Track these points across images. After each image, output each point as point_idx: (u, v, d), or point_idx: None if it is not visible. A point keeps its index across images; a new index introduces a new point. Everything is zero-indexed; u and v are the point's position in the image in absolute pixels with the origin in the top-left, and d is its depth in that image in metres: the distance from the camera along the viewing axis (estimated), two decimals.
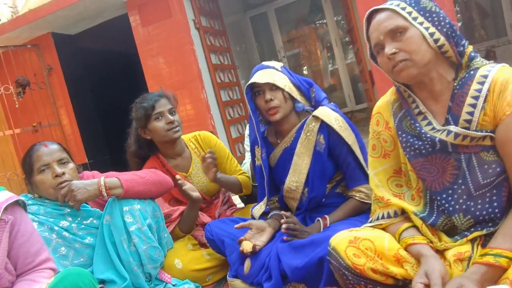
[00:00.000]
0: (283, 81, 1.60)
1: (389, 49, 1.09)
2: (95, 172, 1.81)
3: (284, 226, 1.50)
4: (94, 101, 5.75)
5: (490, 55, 5.74)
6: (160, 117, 1.97)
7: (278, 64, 1.67)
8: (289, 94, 1.61)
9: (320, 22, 7.48)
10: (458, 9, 6.47)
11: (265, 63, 1.68)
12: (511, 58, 5.68)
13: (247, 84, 1.64)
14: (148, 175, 1.72)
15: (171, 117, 1.97)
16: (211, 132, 2.29)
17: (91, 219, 1.67)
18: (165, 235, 1.81)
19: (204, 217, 2.12)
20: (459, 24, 6.17)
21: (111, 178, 1.63)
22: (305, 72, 7.86)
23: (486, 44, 5.96)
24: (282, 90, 1.60)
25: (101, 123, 5.73)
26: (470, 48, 1.11)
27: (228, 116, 5.03)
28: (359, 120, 6.65)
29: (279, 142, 1.73)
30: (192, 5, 4.82)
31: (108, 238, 1.60)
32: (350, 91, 7.18)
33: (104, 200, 1.63)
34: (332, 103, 1.71)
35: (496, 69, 1.06)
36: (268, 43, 7.58)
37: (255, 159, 1.75)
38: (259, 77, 1.59)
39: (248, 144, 2.00)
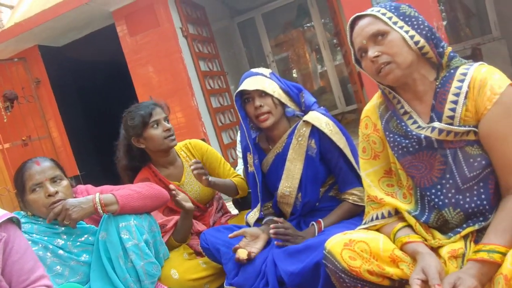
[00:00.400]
0: (272, 87, 1.61)
1: (372, 52, 1.14)
2: (89, 187, 1.79)
3: (271, 231, 1.50)
4: (83, 112, 5.72)
5: (476, 53, 5.81)
6: (156, 125, 1.97)
7: (266, 71, 1.68)
8: (279, 100, 1.62)
9: (308, 25, 7.54)
10: (443, 8, 6.56)
11: (253, 70, 1.69)
12: (496, 55, 5.76)
13: (236, 91, 1.65)
14: (143, 189, 1.70)
15: (168, 125, 1.99)
16: (203, 139, 2.29)
17: (86, 236, 1.65)
18: (162, 248, 1.80)
19: (199, 226, 2.11)
20: (444, 23, 6.25)
21: (106, 194, 1.61)
22: (294, 75, 7.90)
23: (472, 43, 6.04)
24: (272, 96, 1.61)
25: (92, 134, 5.70)
26: (449, 49, 1.16)
27: (219, 122, 5.04)
28: (349, 121, 6.69)
29: (270, 148, 1.74)
30: (179, 13, 4.83)
31: (104, 254, 1.58)
32: (340, 92, 7.23)
33: (99, 216, 1.62)
34: (322, 107, 1.73)
35: (474, 67, 1.11)
36: (256, 48, 7.62)
37: (248, 165, 1.75)
38: (248, 84, 1.60)
39: (240, 150, 2.00)
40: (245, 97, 1.65)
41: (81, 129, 5.57)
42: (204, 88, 4.90)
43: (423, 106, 1.17)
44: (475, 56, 5.84)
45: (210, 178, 1.85)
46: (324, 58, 7.29)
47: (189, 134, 4.44)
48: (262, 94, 1.61)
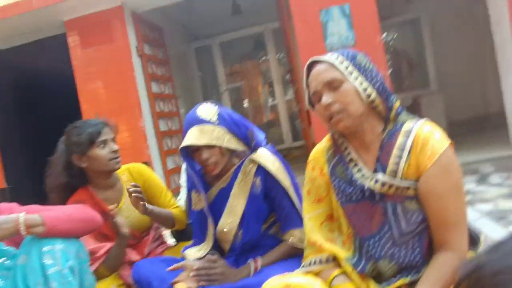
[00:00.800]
0: (221, 136, 1.56)
1: (325, 99, 1.16)
2: (14, 205, 1.65)
3: (191, 274, 1.46)
4: (19, 122, 5.38)
5: (416, 104, 6.22)
6: (103, 145, 1.88)
7: (214, 114, 1.59)
8: (227, 148, 1.58)
9: (263, 58, 7.72)
10: (389, 56, 6.99)
11: (200, 113, 1.58)
12: (433, 108, 6.19)
13: (182, 145, 1.57)
14: (75, 212, 1.59)
15: (115, 147, 1.91)
16: (146, 162, 2.21)
17: (3, 259, 1.50)
18: (88, 277, 1.68)
19: (133, 255, 2.00)
20: (390, 71, 6.63)
21: (32, 215, 1.48)
22: (245, 105, 7.99)
23: (413, 94, 6.46)
24: (220, 146, 1.57)
25: (26, 147, 5.34)
26: (397, 103, 1.20)
27: (165, 146, 4.93)
28: (295, 157, 6.81)
29: (216, 182, 1.70)
30: (136, 32, 4.76)
31: (21, 281, 1.44)
32: (288, 128, 7.39)
33: (21, 237, 1.48)
34: (270, 144, 1.73)
35: (419, 124, 1.16)
36: (211, 75, 7.65)
37: (191, 204, 1.71)
38: (195, 137, 1.54)
39: (185, 180, 1.95)
40: (191, 148, 1.59)
41: (15, 140, 5.21)
42: (153, 110, 4.81)
43: (369, 155, 1.20)
44: (415, 106, 6.24)
45: (148, 206, 1.78)
46: (276, 92, 7.46)
47: (133, 155, 4.29)
48: (210, 146, 1.55)
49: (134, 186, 1.74)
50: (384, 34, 6.45)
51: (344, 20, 4.35)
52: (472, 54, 6.19)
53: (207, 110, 1.61)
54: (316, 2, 4.39)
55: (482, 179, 3.67)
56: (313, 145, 4.70)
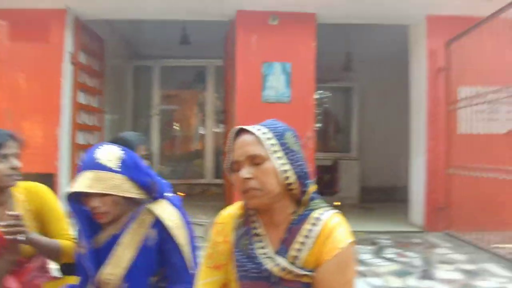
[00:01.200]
0: (119, 185, 1.44)
1: (245, 173, 1.14)
2: None
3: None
4: None
5: (335, 166, 6.56)
6: (3, 159, 1.71)
7: (116, 158, 1.47)
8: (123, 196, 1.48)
9: (202, 89, 7.72)
10: (320, 117, 7.36)
11: (100, 155, 1.45)
12: (351, 172, 6.59)
13: (71, 190, 1.43)
14: None
15: (16, 163, 1.73)
16: (52, 174, 2.05)
17: None
18: None
19: (10, 282, 1.81)
20: (318, 125, 6.94)
21: None
22: (176, 129, 7.87)
23: (334, 156, 6.83)
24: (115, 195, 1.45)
25: None
26: (312, 189, 1.21)
27: (78, 161, 4.65)
28: (214, 194, 6.77)
29: (108, 226, 1.58)
30: (75, 39, 4.56)
31: None
32: (212, 163, 7.37)
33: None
34: (176, 195, 1.67)
35: (327, 215, 1.17)
36: (145, 95, 7.47)
37: (79, 246, 1.58)
38: (86, 184, 1.41)
39: None
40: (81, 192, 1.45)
41: None
42: (74, 120, 4.56)
43: (276, 234, 1.19)
44: (334, 168, 6.59)
45: (32, 236, 1.62)
46: (207, 125, 7.48)
47: (39, 164, 4.00)
48: (103, 194, 1.43)
49: (14, 216, 1.57)
50: (319, 95, 6.83)
51: (284, 77, 4.55)
52: (391, 130, 6.74)
53: (109, 154, 1.46)
54: (260, 54, 4.56)
55: (378, 251, 3.86)
56: (231, 188, 4.68)
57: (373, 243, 4.15)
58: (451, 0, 4.30)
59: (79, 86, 4.62)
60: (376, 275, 3.19)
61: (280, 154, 1.16)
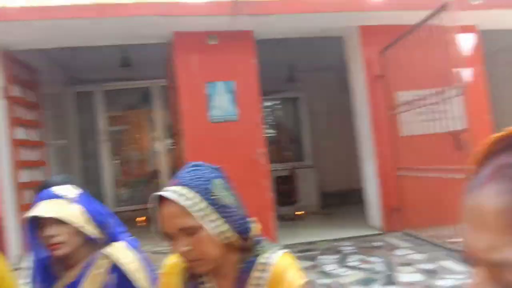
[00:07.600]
0: (75, 215, 1.44)
1: (181, 246, 1.08)
2: None
3: None
4: None
5: (292, 175, 6.65)
6: None
7: (73, 192, 1.50)
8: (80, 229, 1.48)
9: (149, 108, 7.57)
10: (272, 129, 7.46)
11: (56, 189, 1.48)
12: (307, 180, 6.70)
13: (28, 216, 1.42)
14: None
15: None
16: None
17: None
18: None
19: None
20: (271, 135, 7.01)
21: None
22: (128, 149, 7.65)
23: (290, 165, 6.92)
24: (71, 225, 1.46)
25: None
26: (256, 232, 1.17)
27: (26, 199, 4.40)
28: None
29: (63, 275, 1.54)
30: (5, 72, 4.34)
31: None
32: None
33: None
34: (132, 237, 1.64)
35: (276, 258, 1.14)
36: (91, 121, 7.22)
37: None
38: (43, 209, 1.41)
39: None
40: (38, 220, 1.46)
41: None
42: (14, 158, 4.32)
43: (226, 285, 1.17)
44: (291, 178, 6.67)
45: None
46: (160, 142, 7.38)
47: None
48: (59, 221, 1.42)
49: None
50: (268, 108, 6.91)
51: (229, 95, 4.55)
52: (341, 136, 6.92)
53: (66, 189, 1.49)
54: (203, 74, 4.54)
55: (342, 260, 3.92)
56: None
57: (337, 251, 4.22)
58: (379, 12, 4.49)
59: (15, 122, 4.39)
60: (342, 286, 3.25)
61: (213, 216, 1.08)
